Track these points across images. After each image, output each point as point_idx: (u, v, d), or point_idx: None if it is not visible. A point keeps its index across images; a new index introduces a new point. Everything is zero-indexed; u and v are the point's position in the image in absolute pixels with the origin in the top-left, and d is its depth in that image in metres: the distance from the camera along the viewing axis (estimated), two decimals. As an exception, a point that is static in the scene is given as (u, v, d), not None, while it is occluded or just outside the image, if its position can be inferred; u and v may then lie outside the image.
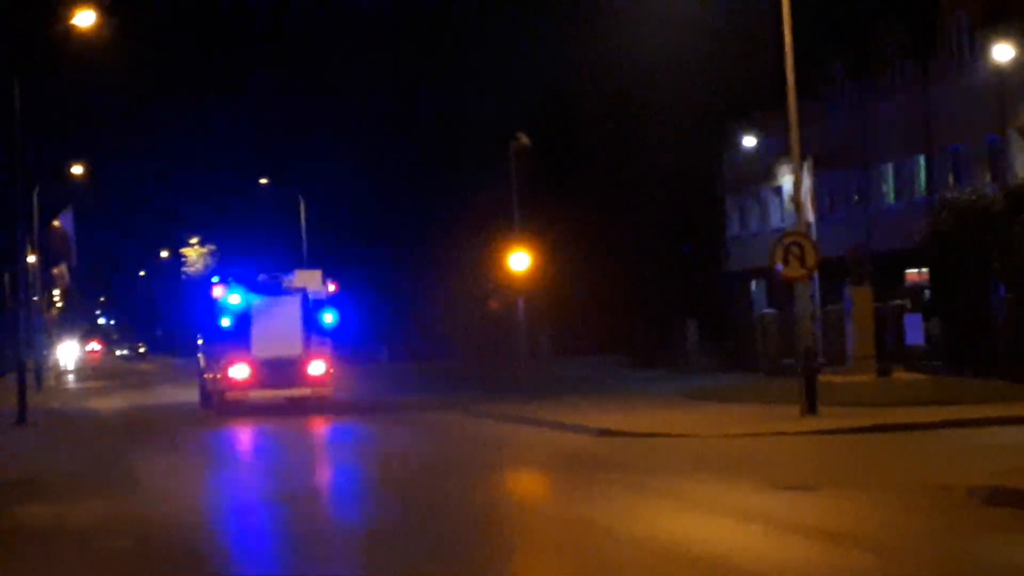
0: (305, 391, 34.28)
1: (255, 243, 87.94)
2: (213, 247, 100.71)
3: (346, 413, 33.66)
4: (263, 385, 33.77)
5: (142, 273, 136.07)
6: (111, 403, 44.23)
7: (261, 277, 34.92)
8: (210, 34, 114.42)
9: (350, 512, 16.32)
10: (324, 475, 20.70)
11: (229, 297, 34.32)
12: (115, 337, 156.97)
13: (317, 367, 34.00)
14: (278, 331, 33.80)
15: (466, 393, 39.82)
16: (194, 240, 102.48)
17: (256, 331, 33.77)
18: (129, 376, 74.63)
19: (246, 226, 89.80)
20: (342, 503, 17.17)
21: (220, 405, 34.39)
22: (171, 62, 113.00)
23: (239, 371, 33.64)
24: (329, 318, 34.44)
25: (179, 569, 12.85)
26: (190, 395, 41.79)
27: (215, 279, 36.36)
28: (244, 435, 29.73)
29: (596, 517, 14.38)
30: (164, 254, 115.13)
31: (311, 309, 34.29)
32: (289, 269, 36.35)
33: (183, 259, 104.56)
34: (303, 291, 34.34)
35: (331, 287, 34.87)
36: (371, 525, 15.07)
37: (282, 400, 34.78)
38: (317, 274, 35.58)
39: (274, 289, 34.44)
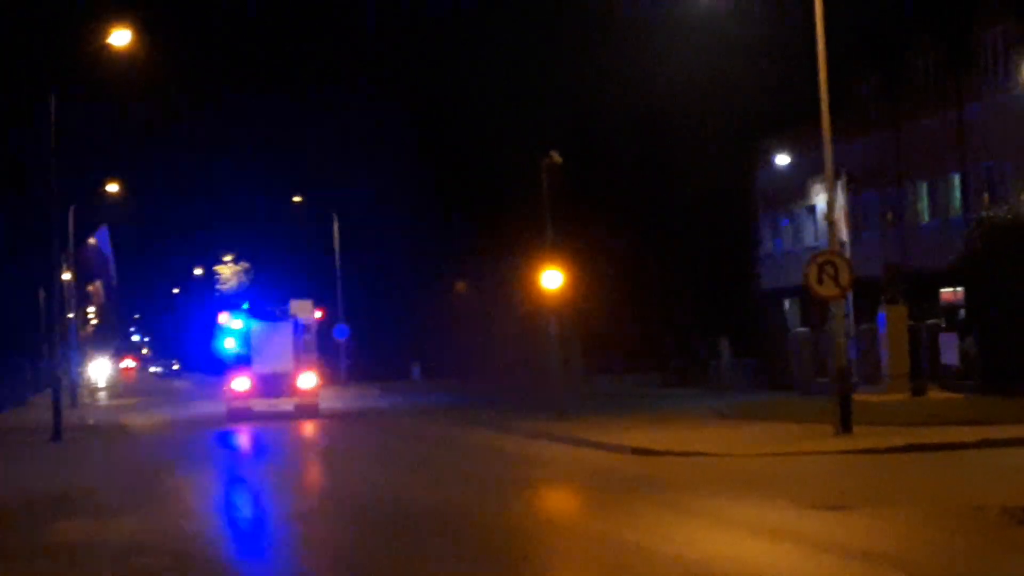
0: (296, 400, 40.20)
1: (289, 261, 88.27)
2: (247, 265, 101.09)
3: (372, 435, 33.73)
4: (261, 395, 39.84)
5: (176, 290, 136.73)
6: (144, 419, 44.42)
7: (246, 305, 42.48)
8: (247, 53, 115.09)
9: (380, 529, 16.33)
10: (354, 491, 20.70)
11: (233, 323, 41.00)
12: (148, 354, 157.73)
13: (306, 380, 40.19)
14: (273, 351, 39.92)
15: (498, 410, 39.82)
16: (228, 258, 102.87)
17: (255, 351, 39.97)
18: (162, 393, 74.97)
19: (280, 244, 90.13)
20: (371, 520, 17.19)
21: (228, 412, 40.05)
22: (207, 80, 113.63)
23: (241, 383, 39.91)
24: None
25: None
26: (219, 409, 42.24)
27: (222, 312, 43.27)
28: (270, 450, 29.82)
29: (629, 535, 14.36)
30: (198, 272, 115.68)
31: (301, 332, 40.59)
32: (287, 300, 42.81)
33: (217, 276, 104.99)
34: (295, 318, 40.61)
35: (318, 314, 41.72)
36: (402, 542, 15.08)
37: (277, 408, 40.21)
38: (308, 303, 41.90)
39: (270, 316, 40.85)
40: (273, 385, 39.86)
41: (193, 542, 15.44)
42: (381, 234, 79.20)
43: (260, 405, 39.99)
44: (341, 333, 70.19)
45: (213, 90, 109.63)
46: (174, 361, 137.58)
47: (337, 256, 70.34)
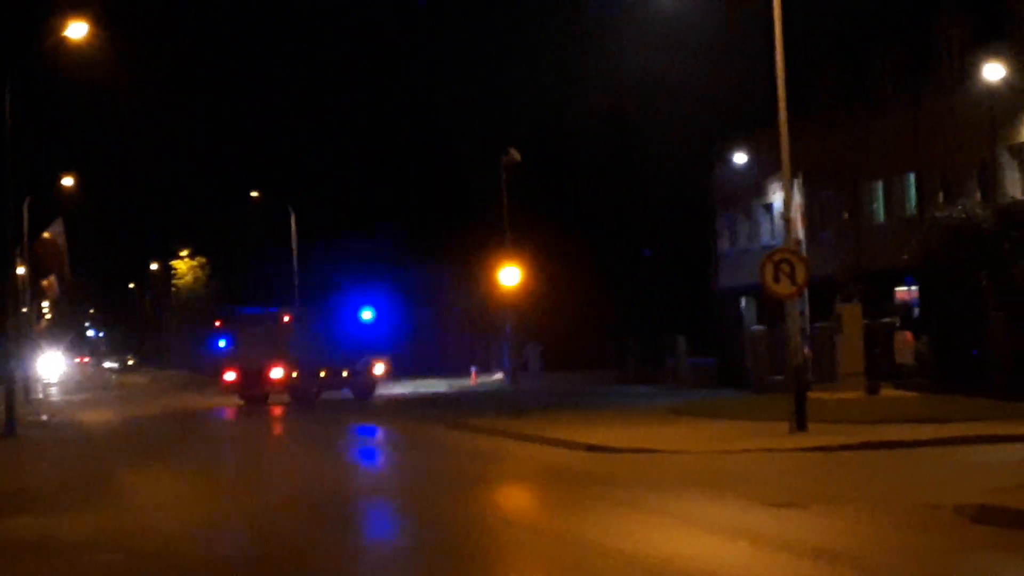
0: (271, 388, 47.11)
1: (246, 256, 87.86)
2: (203, 260, 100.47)
3: (333, 423, 33.65)
4: (245, 386, 47.62)
5: (132, 285, 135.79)
6: (99, 415, 44.14)
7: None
8: (203, 46, 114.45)
9: (339, 526, 16.29)
10: (313, 485, 20.63)
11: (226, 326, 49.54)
12: (104, 349, 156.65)
13: (277, 373, 46.45)
14: (256, 349, 46.91)
15: (454, 407, 39.83)
16: (184, 252, 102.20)
17: (240, 350, 47.92)
18: (117, 389, 74.50)
19: (238, 239, 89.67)
20: (331, 516, 17.14)
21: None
22: (164, 73, 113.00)
23: (230, 375, 48.42)
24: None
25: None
26: (175, 404, 42.12)
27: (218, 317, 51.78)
28: (227, 442, 29.70)
29: (584, 532, 14.38)
30: (154, 266, 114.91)
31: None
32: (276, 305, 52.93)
33: (173, 271, 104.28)
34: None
35: (287, 318, 48.11)
36: (360, 539, 15.06)
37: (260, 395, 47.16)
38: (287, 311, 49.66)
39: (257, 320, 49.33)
40: (256, 377, 46.69)
41: (147, 538, 15.35)
42: (339, 229, 78.95)
43: (246, 391, 47.70)
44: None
45: (171, 84, 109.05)
46: (130, 356, 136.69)
47: (295, 252, 70.01)
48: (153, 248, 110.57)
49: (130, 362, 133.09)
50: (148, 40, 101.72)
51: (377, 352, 47.72)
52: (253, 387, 46.94)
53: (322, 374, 46.88)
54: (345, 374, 47.34)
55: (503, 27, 73.96)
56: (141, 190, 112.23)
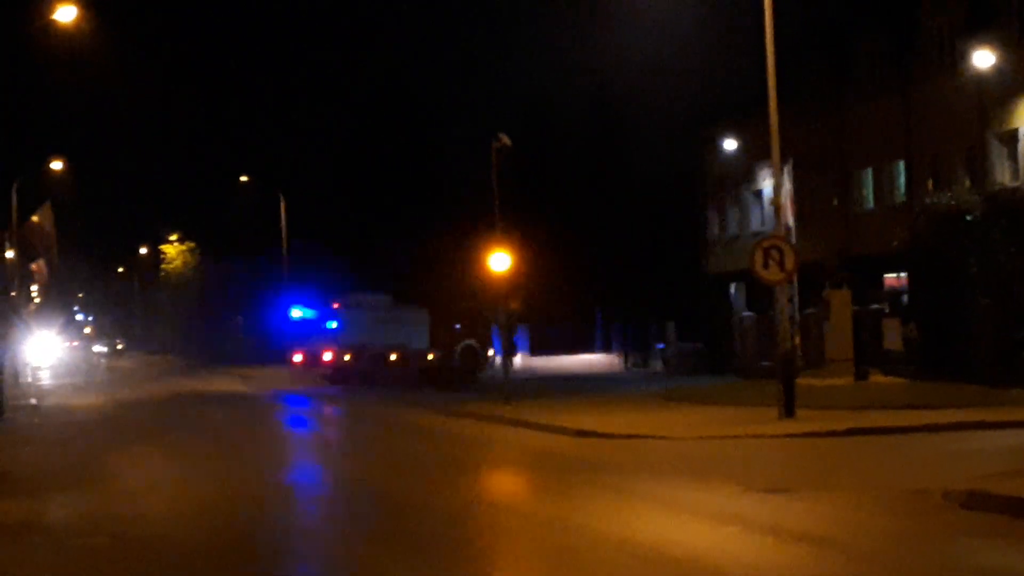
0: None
1: (236, 241, 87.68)
2: (193, 244, 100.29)
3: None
4: (308, 365, 51.77)
5: (121, 269, 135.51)
6: (89, 399, 44.08)
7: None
8: (192, 29, 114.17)
9: (326, 511, 16.29)
10: (297, 472, 20.64)
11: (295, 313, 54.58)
12: (92, 333, 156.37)
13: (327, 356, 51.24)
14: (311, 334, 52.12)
15: (445, 393, 39.86)
16: (174, 237, 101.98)
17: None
18: (106, 372, 74.41)
19: (227, 223, 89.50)
20: (312, 500, 17.14)
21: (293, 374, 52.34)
22: (153, 57, 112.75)
23: (298, 357, 52.77)
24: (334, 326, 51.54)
25: (153, 566, 12.81)
26: (162, 390, 42.03)
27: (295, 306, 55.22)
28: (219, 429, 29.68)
29: (573, 517, 14.39)
30: (143, 251, 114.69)
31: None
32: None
33: (162, 256, 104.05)
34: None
35: (335, 305, 51.55)
36: (344, 524, 15.05)
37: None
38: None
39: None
40: (317, 359, 51.59)
41: (134, 523, 15.32)
42: (329, 214, 78.85)
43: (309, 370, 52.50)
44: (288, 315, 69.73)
45: (160, 67, 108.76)
46: (118, 340, 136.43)
47: (284, 237, 69.90)
48: (142, 232, 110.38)
49: (119, 346, 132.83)
50: (137, 24, 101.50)
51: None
52: (359, 369, 49.49)
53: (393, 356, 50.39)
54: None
55: (492, 11, 73.82)
56: (130, 174, 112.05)
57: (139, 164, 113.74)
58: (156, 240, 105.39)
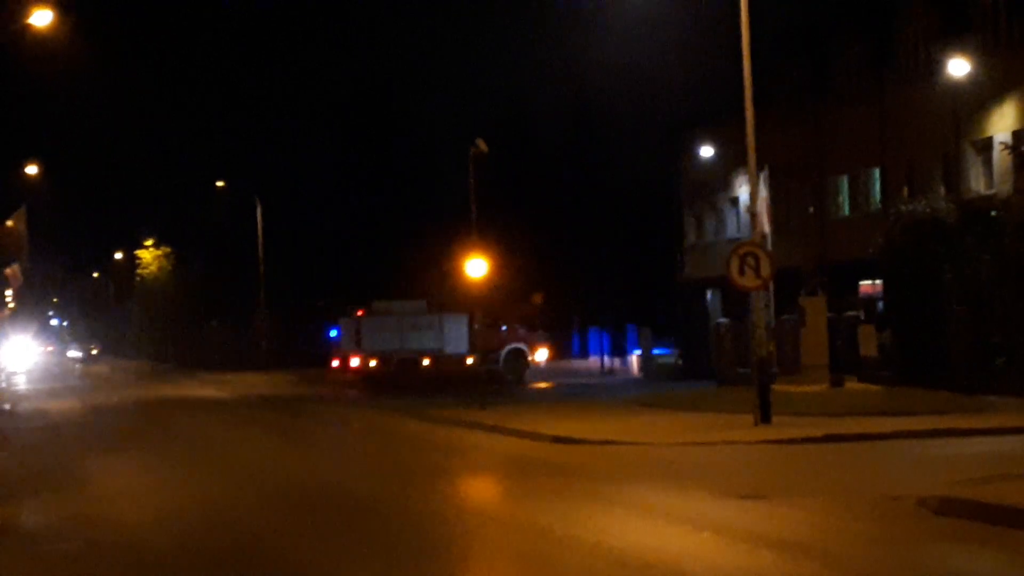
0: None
1: (212, 246, 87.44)
2: (168, 249, 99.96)
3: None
4: (343, 371, 51.16)
5: (96, 274, 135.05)
6: (64, 404, 43.89)
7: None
8: (168, 34, 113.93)
9: (302, 517, 16.24)
10: (276, 477, 20.57)
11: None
12: (67, 338, 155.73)
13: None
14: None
15: (419, 398, 39.80)
16: (149, 242, 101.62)
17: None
18: (81, 378, 74.13)
19: (203, 228, 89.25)
20: (289, 506, 17.09)
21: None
22: (129, 62, 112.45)
23: (336, 363, 51.99)
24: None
25: (127, 571, 12.76)
26: (137, 395, 41.84)
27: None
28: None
29: (549, 523, 14.39)
30: (118, 255, 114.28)
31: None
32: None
33: (138, 261, 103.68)
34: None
35: (359, 312, 51.19)
36: (319, 528, 15.02)
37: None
38: None
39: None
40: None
41: (108, 527, 15.27)
42: (306, 220, 78.73)
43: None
44: (264, 321, 69.74)
45: (136, 72, 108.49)
46: (93, 345, 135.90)
47: (260, 242, 69.79)
48: (118, 237, 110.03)
49: (94, 351, 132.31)
50: (113, 28, 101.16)
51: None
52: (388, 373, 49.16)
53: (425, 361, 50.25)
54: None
55: (469, 17, 73.88)
56: (106, 179, 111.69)
57: (115, 169, 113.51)
58: (131, 245, 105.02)
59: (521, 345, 51.17)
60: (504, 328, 51.00)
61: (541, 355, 52.04)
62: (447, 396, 38.86)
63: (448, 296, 50.01)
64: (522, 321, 51.98)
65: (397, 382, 48.11)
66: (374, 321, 50.36)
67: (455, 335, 50.12)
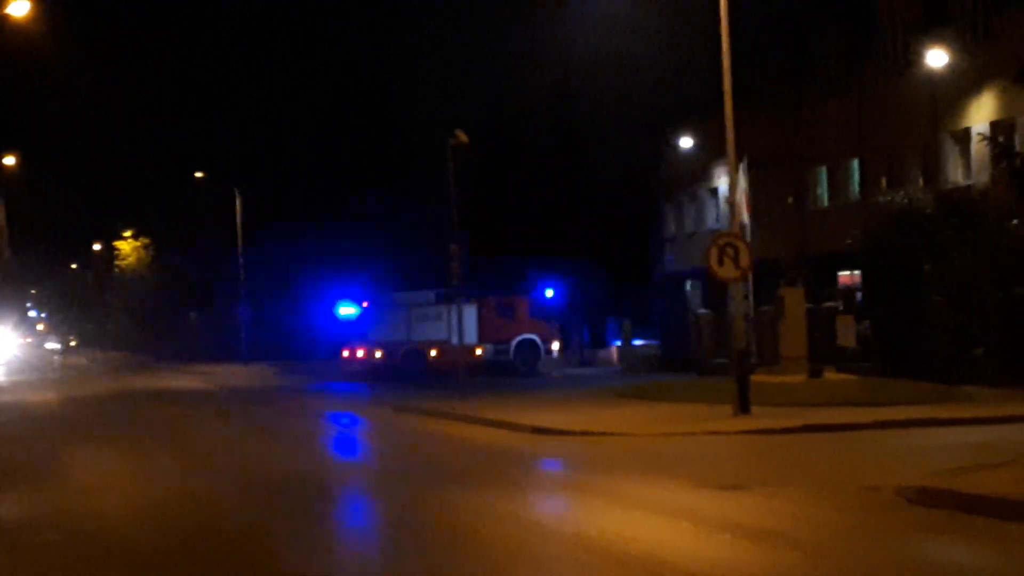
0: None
1: (191, 237, 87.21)
2: (147, 240, 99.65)
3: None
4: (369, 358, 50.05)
5: (74, 266, 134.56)
6: (42, 396, 43.77)
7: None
8: (147, 24, 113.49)
9: (280, 508, 16.23)
10: (263, 469, 20.55)
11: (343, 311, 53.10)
12: (45, 330, 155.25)
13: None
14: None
15: (399, 390, 39.80)
16: (128, 233, 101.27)
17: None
18: (60, 369, 73.92)
19: (182, 219, 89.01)
20: (274, 497, 17.08)
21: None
22: (108, 52, 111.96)
23: (346, 353, 50.71)
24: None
25: (106, 563, 12.74)
26: (116, 387, 41.72)
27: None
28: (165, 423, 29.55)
29: (526, 514, 14.40)
30: (97, 247, 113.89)
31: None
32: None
33: (116, 252, 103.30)
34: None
35: (364, 304, 50.90)
36: (301, 521, 15.01)
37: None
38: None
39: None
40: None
41: (88, 519, 15.23)
42: (286, 211, 78.56)
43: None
44: (244, 312, 69.56)
45: (115, 62, 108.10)
46: (72, 337, 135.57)
47: (239, 234, 69.59)
48: (96, 228, 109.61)
49: (73, 343, 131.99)
50: (91, 19, 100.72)
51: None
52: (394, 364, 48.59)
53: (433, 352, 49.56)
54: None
55: (451, 8, 73.72)
56: (84, 169, 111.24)
57: (93, 160, 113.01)
58: (110, 236, 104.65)
59: (533, 335, 50.82)
60: (515, 318, 50.75)
61: (556, 346, 51.58)
62: (440, 387, 38.90)
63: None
64: (534, 311, 51.72)
65: (403, 373, 47.98)
66: (380, 311, 50.16)
67: (463, 325, 49.60)
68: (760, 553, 11.99)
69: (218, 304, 77.67)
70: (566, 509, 14.78)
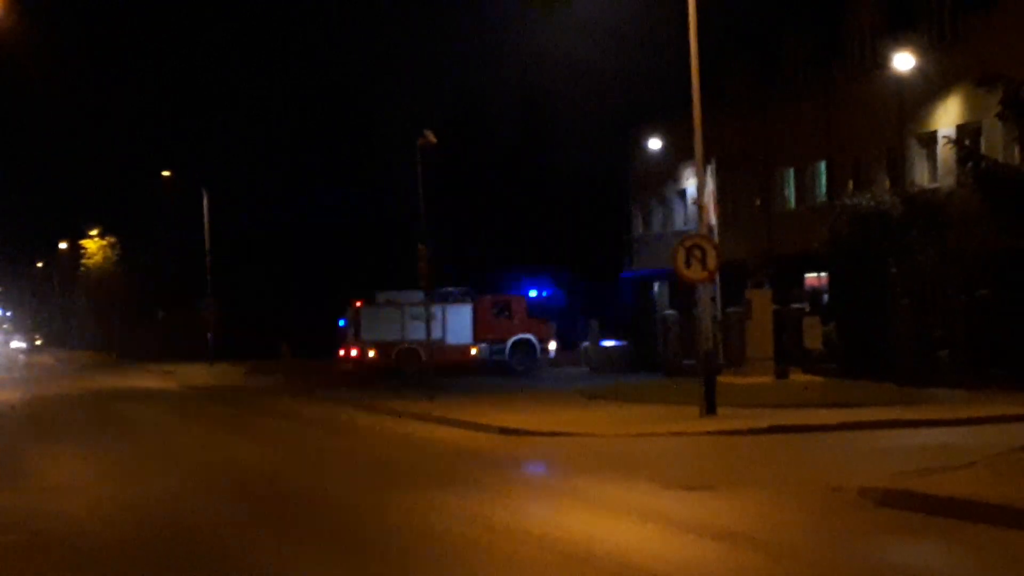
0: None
1: (158, 236, 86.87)
2: (114, 239, 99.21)
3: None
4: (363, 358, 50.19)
5: (40, 264, 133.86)
6: (7, 395, 43.52)
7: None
8: (115, 22, 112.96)
9: (245, 509, 16.20)
10: (226, 470, 20.49)
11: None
12: (10, 329, 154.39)
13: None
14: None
15: (365, 390, 39.75)
16: (94, 232, 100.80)
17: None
18: (25, 368, 73.50)
19: (149, 218, 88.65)
20: (239, 500, 17.04)
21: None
22: (75, 49, 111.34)
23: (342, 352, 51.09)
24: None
25: (70, 564, 12.69)
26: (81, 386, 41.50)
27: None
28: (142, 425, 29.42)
29: (494, 514, 14.42)
30: (63, 245, 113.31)
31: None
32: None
33: (82, 251, 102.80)
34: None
35: (357, 304, 50.19)
36: (267, 524, 14.98)
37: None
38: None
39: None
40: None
41: (52, 520, 15.16)
42: (253, 211, 78.34)
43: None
44: (207, 308, 69.29)
45: (81, 60, 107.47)
46: (37, 336, 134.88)
47: (207, 232, 69.34)
48: (62, 227, 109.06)
49: (38, 342, 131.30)
50: (58, 17, 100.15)
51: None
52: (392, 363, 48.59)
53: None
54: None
55: (419, 10, 73.63)
56: (50, 168, 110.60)
57: (58, 158, 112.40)
58: (76, 235, 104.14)
59: (529, 335, 50.66)
60: (510, 317, 50.45)
61: (553, 345, 51.52)
62: (416, 388, 38.88)
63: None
64: (530, 311, 51.56)
65: (396, 373, 47.75)
66: (373, 311, 49.73)
67: (458, 325, 49.40)
68: (725, 553, 12.04)
69: (185, 303, 77.37)
70: (532, 509, 14.80)
